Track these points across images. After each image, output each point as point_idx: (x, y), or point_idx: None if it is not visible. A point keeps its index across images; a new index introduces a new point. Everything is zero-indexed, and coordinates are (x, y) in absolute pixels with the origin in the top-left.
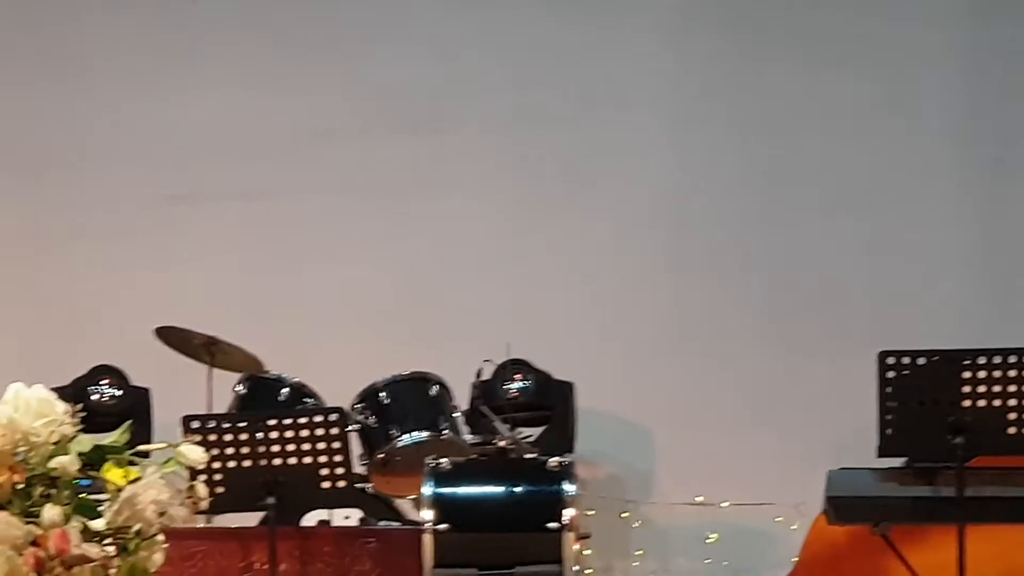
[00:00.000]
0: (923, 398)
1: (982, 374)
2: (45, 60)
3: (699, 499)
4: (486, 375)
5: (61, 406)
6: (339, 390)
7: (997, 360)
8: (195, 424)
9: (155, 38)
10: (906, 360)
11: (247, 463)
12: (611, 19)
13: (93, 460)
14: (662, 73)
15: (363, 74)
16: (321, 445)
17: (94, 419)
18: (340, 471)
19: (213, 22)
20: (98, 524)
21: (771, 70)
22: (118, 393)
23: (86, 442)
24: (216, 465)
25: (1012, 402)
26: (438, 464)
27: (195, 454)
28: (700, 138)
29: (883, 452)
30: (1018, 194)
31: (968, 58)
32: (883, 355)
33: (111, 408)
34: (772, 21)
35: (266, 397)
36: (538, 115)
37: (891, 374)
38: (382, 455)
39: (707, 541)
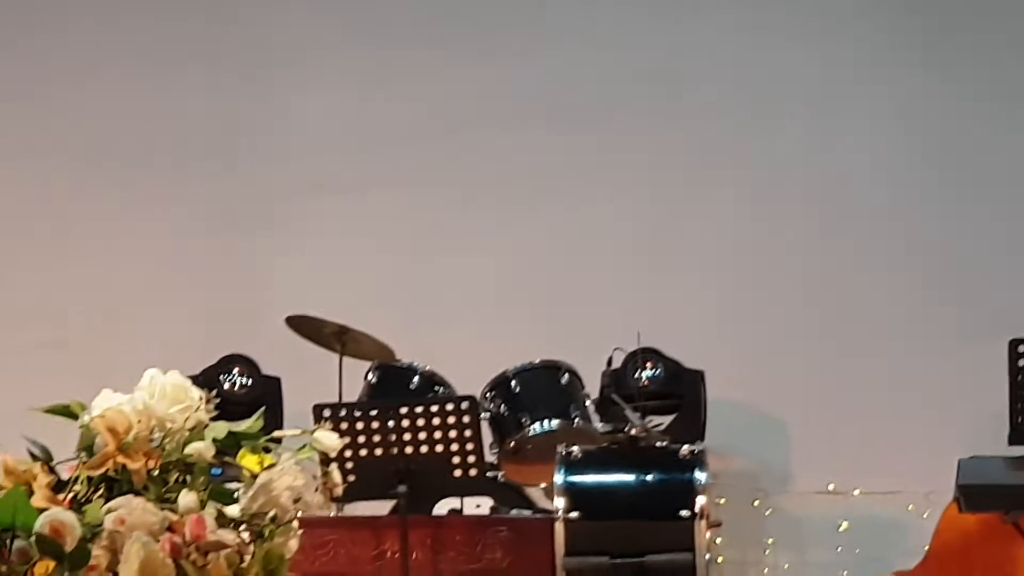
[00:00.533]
0: None
1: None
2: (196, 57)
3: (830, 487)
4: (617, 363)
5: (196, 392)
6: (470, 379)
7: None
8: (326, 412)
9: (296, 31)
10: None
11: (378, 452)
12: (761, 9)
13: (227, 447)
14: (807, 64)
15: (500, 66)
16: (452, 433)
17: (225, 407)
18: (471, 459)
19: (352, 14)
20: (233, 510)
21: (936, 58)
22: (249, 382)
23: (221, 428)
24: (347, 454)
25: None
26: (569, 452)
27: (331, 440)
28: (844, 126)
29: (1014, 440)
30: None
31: None
32: (1014, 343)
33: (242, 397)
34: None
35: (397, 386)
36: (673, 107)
37: (1023, 362)
38: (513, 443)
39: (839, 530)
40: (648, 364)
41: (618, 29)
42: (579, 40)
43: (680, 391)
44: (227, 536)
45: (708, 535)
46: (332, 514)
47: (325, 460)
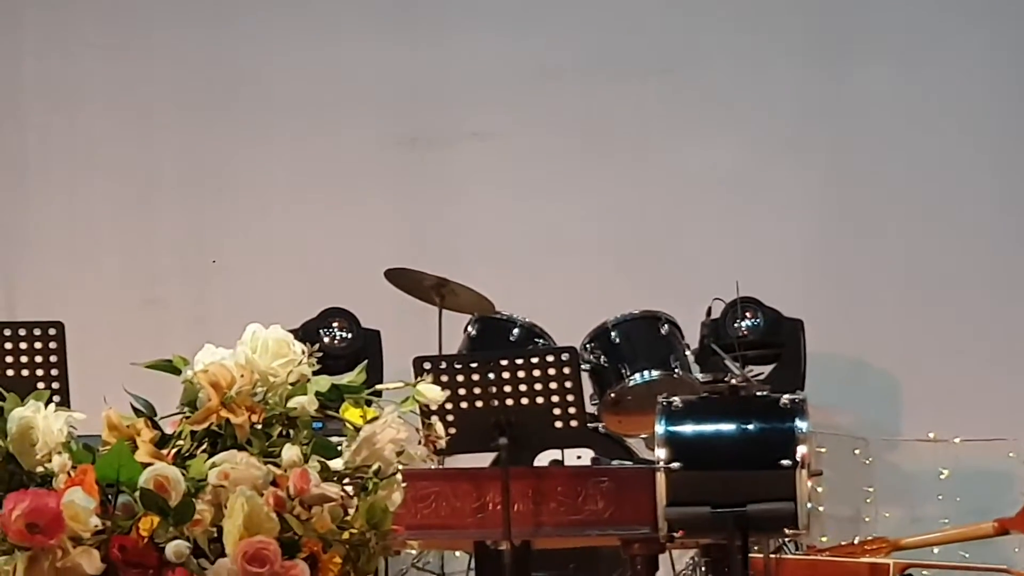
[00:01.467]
0: None
1: None
2: (285, 9)
3: (931, 435)
4: (716, 314)
5: (298, 346)
6: (570, 330)
7: None
8: (427, 365)
9: None
10: None
11: (479, 404)
12: None
13: (330, 400)
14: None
15: (593, 14)
16: (553, 385)
17: (325, 361)
18: (572, 411)
19: None
20: (337, 464)
21: None
22: (349, 336)
23: (324, 382)
24: (448, 406)
25: None
26: (670, 403)
27: (433, 392)
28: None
29: None
30: None
31: None
32: None
33: (342, 351)
34: None
35: (497, 338)
36: (769, 55)
37: None
38: (613, 394)
39: (940, 477)
40: (747, 314)
41: None
42: None
43: (780, 340)
44: (331, 489)
45: (810, 484)
46: (434, 466)
47: (427, 413)
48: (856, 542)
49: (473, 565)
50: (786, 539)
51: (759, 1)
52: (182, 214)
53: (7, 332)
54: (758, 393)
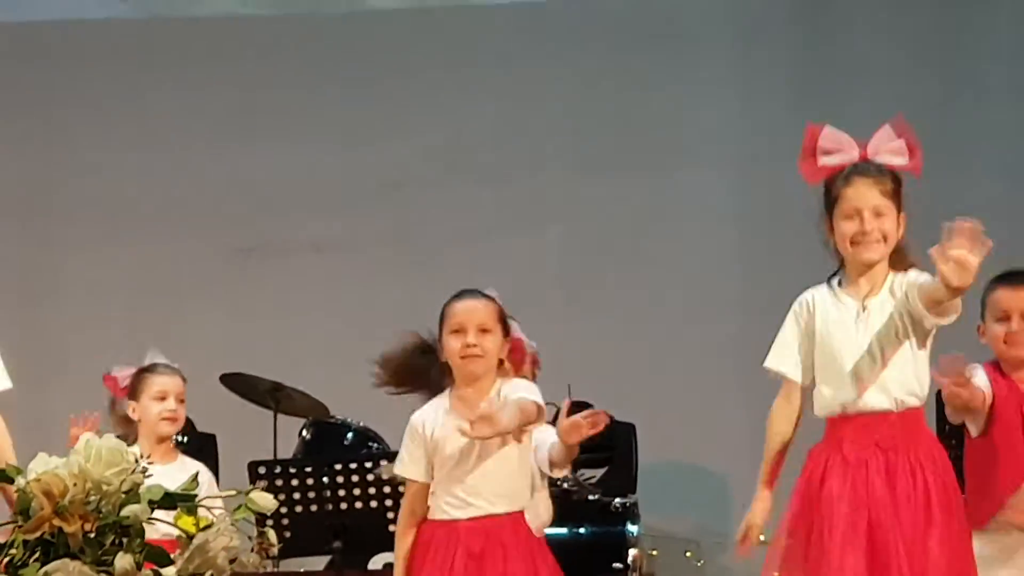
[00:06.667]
0: None
1: None
2: (121, 118)
3: (763, 538)
4: (548, 417)
5: (132, 454)
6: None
7: None
8: (261, 470)
9: (223, 94)
10: None
11: (314, 508)
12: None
13: (163, 507)
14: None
15: (430, 126)
16: (387, 489)
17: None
18: None
19: (280, 78)
20: (170, 572)
21: None
22: (184, 440)
23: (157, 490)
24: (283, 510)
25: None
26: None
27: (265, 501)
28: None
29: None
30: None
31: None
32: None
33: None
34: None
35: (331, 442)
36: (604, 164)
37: None
38: None
39: None
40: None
41: (543, 88)
42: (506, 101)
43: (611, 443)
44: None
45: None
46: (268, 570)
47: (261, 520)
48: None
49: None
50: None
51: (572, 110)
52: (14, 318)
53: None
54: (590, 497)
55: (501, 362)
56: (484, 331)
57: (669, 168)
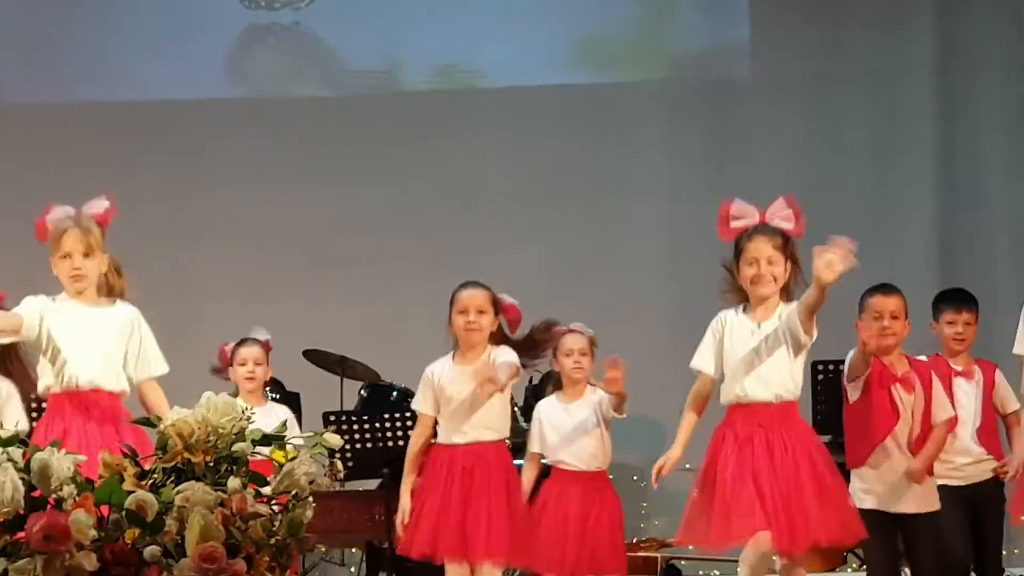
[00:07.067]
0: None
1: None
2: (240, 167)
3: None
4: (536, 381)
5: (240, 406)
6: None
7: None
8: (332, 418)
9: (313, 150)
10: None
11: (369, 445)
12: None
13: (262, 445)
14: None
15: (448, 173)
16: None
17: None
18: None
19: (343, 137)
20: (266, 490)
21: None
22: (277, 396)
23: (257, 432)
24: (347, 447)
25: None
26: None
27: (334, 440)
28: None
29: None
30: None
31: None
32: None
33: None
34: None
35: (381, 399)
36: (569, 200)
37: None
38: None
39: None
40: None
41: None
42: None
43: None
44: (262, 508)
45: None
46: (336, 490)
47: (331, 453)
48: (634, 541)
49: (364, 559)
50: None
51: (545, 164)
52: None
53: None
54: None
55: (493, 336)
56: (481, 312)
57: (613, 205)
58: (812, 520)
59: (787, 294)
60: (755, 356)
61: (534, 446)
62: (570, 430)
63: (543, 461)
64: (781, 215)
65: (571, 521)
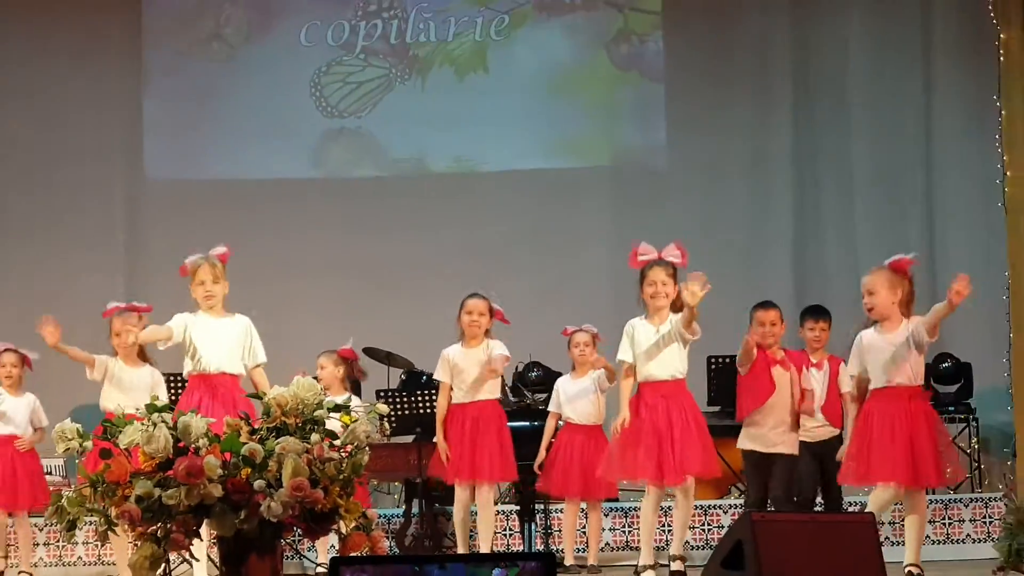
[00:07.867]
0: None
1: None
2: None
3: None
4: (519, 369)
5: (318, 386)
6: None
7: None
8: (381, 394)
9: (369, 214)
10: None
11: (407, 411)
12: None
13: (333, 412)
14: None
15: (458, 234)
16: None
17: None
18: None
19: (383, 206)
20: (338, 442)
21: None
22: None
23: (331, 403)
24: (393, 413)
25: None
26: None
27: (383, 408)
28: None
29: None
30: None
31: None
32: None
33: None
34: None
35: (415, 381)
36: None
37: None
38: None
39: None
40: (534, 370)
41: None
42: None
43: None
44: (335, 455)
45: None
46: (385, 441)
47: (381, 417)
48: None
49: (403, 490)
50: None
51: (527, 224)
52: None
53: None
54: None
55: (487, 331)
56: (481, 314)
57: (574, 251)
58: (688, 456)
59: (676, 307)
60: (656, 348)
61: (553, 407)
62: (576, 396)
63: (560, 421)
64: (672, 253)
65: (575, 460)
